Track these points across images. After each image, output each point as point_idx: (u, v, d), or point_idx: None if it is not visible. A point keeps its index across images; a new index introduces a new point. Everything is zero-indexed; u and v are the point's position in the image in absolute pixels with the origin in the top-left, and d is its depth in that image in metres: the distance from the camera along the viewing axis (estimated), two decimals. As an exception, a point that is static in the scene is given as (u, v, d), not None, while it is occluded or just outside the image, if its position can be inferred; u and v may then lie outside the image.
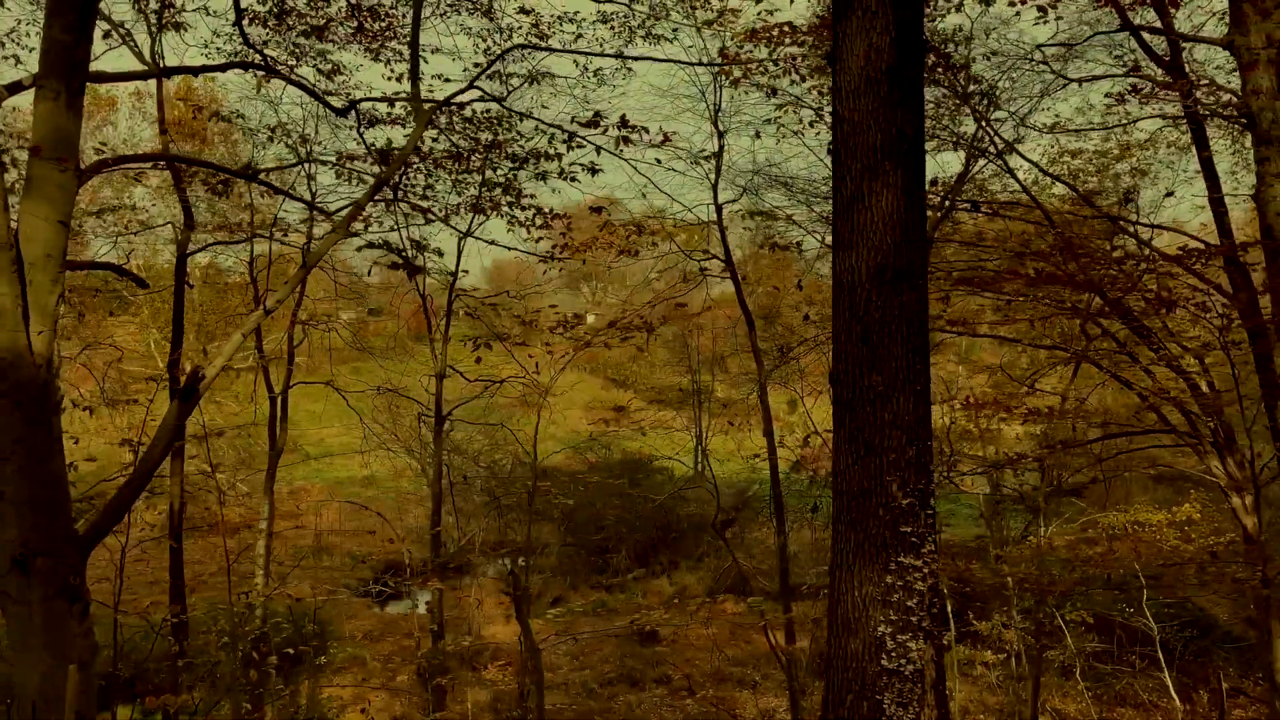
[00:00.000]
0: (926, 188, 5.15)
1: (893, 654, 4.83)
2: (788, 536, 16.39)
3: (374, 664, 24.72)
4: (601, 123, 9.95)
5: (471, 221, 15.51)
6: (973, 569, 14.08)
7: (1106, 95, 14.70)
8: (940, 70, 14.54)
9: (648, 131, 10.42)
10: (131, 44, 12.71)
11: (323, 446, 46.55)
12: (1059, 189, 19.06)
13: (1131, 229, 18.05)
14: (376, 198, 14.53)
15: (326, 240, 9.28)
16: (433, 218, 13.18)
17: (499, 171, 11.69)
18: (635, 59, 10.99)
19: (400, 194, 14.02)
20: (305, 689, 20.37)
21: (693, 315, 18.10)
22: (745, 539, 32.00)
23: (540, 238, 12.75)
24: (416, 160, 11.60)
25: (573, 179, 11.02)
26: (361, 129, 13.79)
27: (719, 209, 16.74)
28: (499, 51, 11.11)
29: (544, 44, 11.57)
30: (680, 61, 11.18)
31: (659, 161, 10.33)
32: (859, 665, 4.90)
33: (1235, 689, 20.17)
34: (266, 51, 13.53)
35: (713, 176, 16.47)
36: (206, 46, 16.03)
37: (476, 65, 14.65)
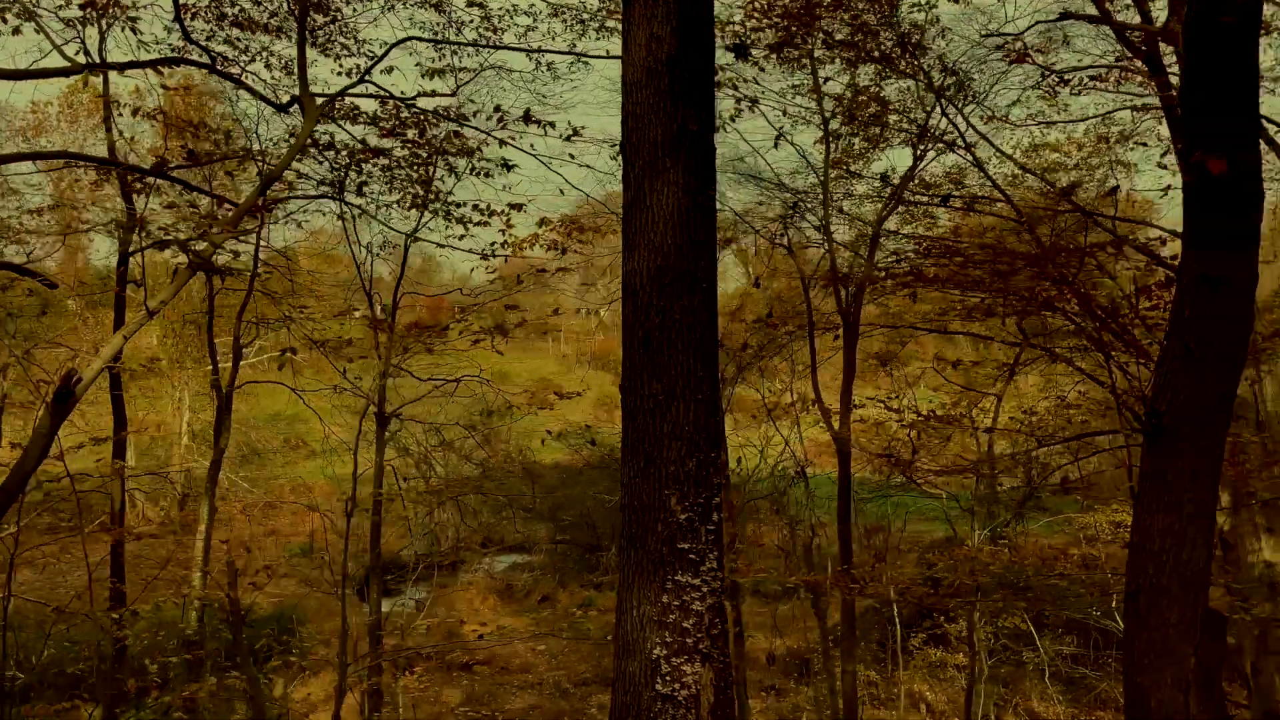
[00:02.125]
0: (717, 183, 4.85)
1: (667, 678, 4.56)
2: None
3: (351, 663, 24.50)
4: (504, 118, 9.71)
5: (419, 221, 15.27)
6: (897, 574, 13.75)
7: (1064, 83, 14.24)
8: (906, 60, 14.21)
9: (554, 126, 10.17)
10: (53, 38, 12.54)
11: (329, 443, 46.61)
12: (1042, 184, 18.65)
13: (1110, 224, 17.63)
14: (315, 195, 14.38)
15: (214, 239, 9.10)
16: (369, 215, 12.97)
17: (415, 169, 11.46)
18: (537, 52, 10.73)
19: (337, 192, 13.86)
20: (278, 688, 20.32)
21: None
22: (744, 535, 31.75)
23: (467, 234, 12.51)
24: (329, 156, 11.37)
25: (485, 174, 10.78)
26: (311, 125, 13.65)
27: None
28: (390, 43, 10.84)
29: (465, 38, 11.32)
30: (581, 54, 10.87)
31: (572, 156, 10.05)
32: (635, 689, 4.64)
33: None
34: (213, 47, 13.34)
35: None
36: (158, 43, 15.90)
37: (430, 61, 14.47)
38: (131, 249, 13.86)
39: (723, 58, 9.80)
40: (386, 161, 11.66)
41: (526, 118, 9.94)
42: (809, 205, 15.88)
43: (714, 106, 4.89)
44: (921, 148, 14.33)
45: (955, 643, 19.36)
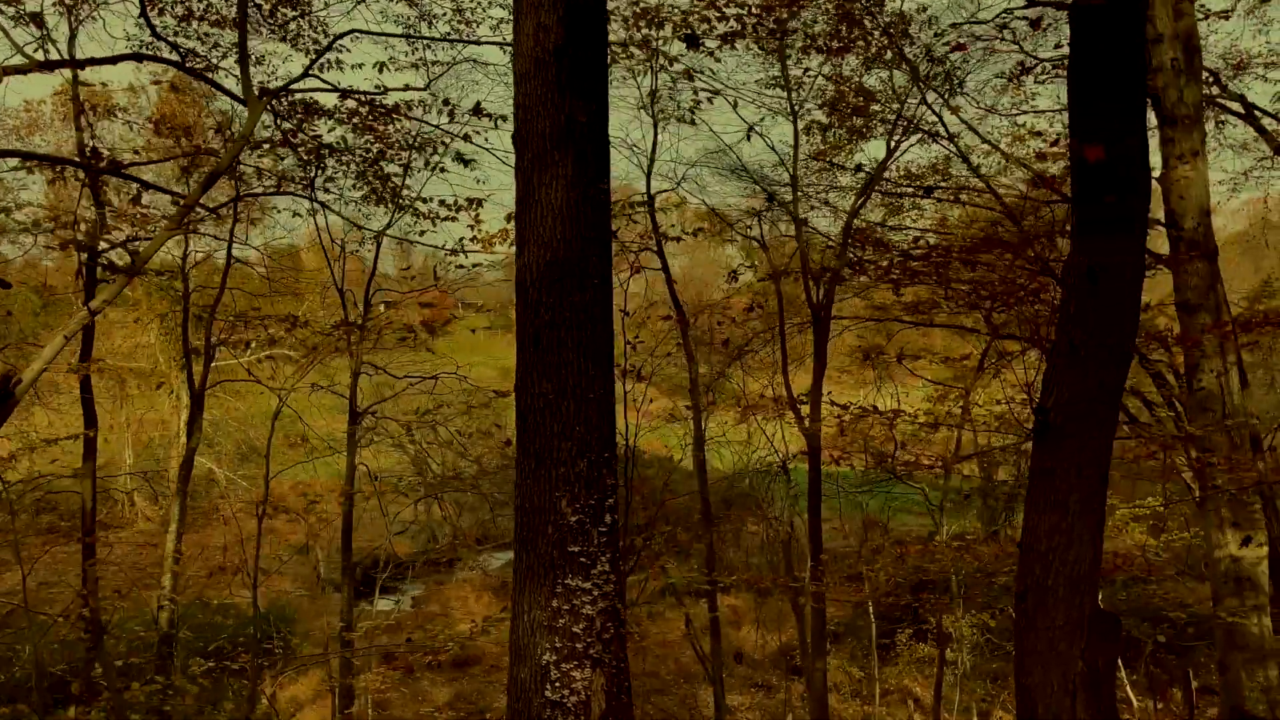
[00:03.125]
0: (607, 178, 4.73)
1: (557, 684, 4.46)
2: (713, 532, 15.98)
3: (338, 662, 24.52)
4: (453, 112, 9.59)
5: (393, 217, 15.19)
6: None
7: (1026, 72, 14.08)
8: (891, 49, 14.06)
9: (505, 119, 10.04)
10: (11, 35, 12.49)
11: (340, 443, 46.59)
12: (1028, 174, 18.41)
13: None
14: (279, 191, 14.29)
15: (157, 239, 9.03)
16: (332, 211, 12.88)
17: (371, 165, 11.35)
18: (477, 44, 10.59)
19: (308, 189, 13.77)
20: (266, 688, 20.29)
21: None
22: (742, 530, 31.62)
23: (434, 229, 12.41)
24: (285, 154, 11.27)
25: (441, 170, 10.69)
26: (279, 120, 13.56)
27: (651, 199, 16.35)
28: (335, 35, 10.74)
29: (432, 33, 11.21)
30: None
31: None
32: (526, 695, 4.54)
33: (1206, 687, 19.54)
34: (182, 43, 13.25)
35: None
36: (130, 39, 15.84)
37: (403, 54, 14.37)
38: (62, 246, 13.80)
39: (675, 48, 9.70)
40: (349, 158, 11.56)
41: (477, 110, 9.82)
42: (788, 199, 15.76)
43: (606, 97, 4.77)
44: (896, 138, 14.16)
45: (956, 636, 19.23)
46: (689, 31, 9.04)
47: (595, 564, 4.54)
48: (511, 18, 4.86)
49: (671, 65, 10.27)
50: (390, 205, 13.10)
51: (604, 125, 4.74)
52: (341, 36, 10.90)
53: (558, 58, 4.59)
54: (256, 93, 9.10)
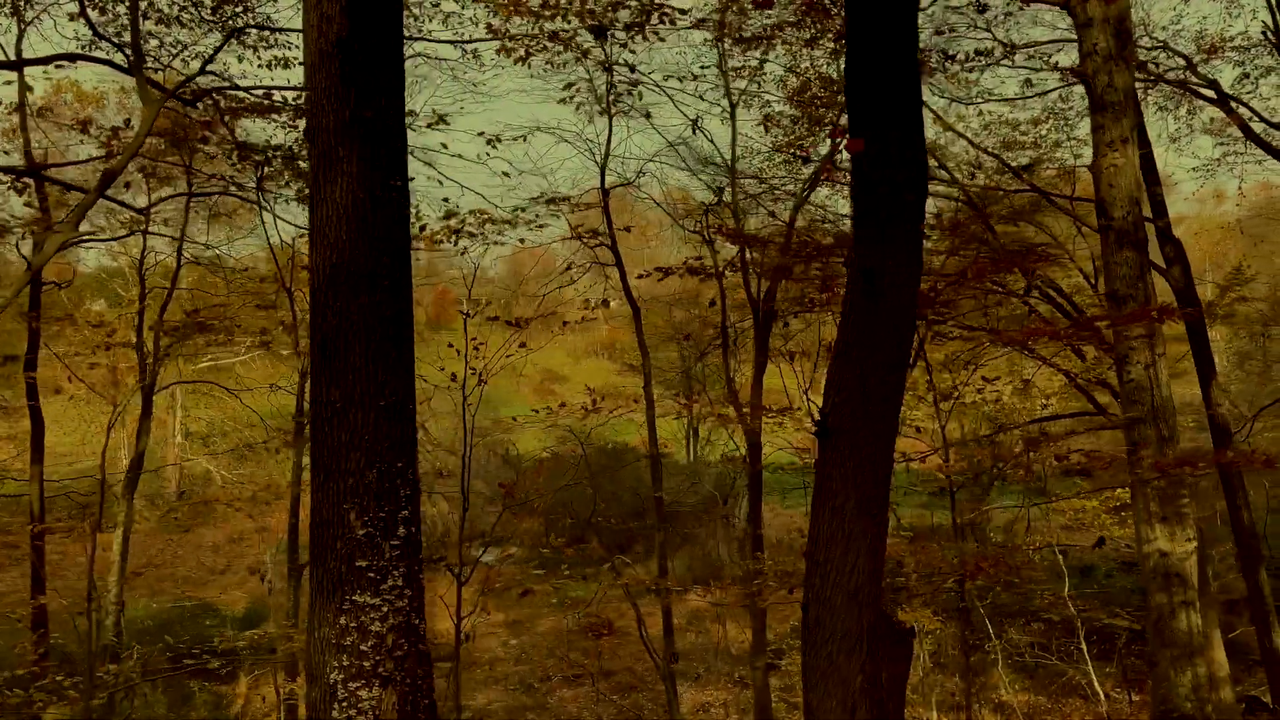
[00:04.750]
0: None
1: (344, 703, 4.29)
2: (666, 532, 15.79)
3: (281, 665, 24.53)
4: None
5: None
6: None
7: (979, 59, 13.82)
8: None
9: (414, 114, 9.86)
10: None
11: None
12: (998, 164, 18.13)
13: (1068, 204, 17.12)
14: (225, 193, 14.15)
15: (51, 241, 8.90)
16: (266, 209, 12.74)
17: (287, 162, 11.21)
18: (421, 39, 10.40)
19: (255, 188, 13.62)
20: (240, 688, 20.24)
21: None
22: (732, 525, 31.45)
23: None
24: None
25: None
26: (226, 119, 13.41)
27: (605, 192, 16.19)
28: (230, 31, 10.56)
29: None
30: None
31: (444, 146, 9.71)
32: (317, 716, 4.37)
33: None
34: (125, 41, 13.11)
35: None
36: (79, 38, 15.70)
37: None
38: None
39: (585, 38, 9.51)
40: (274, 153, 11.42)
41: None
42: (752, 192, 15.54)
43: (400, 91, 4.57)
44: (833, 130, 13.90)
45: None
46: (595, 23, 8.84)
47: (386, 578, 4.36)
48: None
49: (588, 56, 10.07)
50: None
51: (398, 121, 4.54)
52: (233, 34, 10.71)
53: (342, 50, 4.40)
54: (156, 93, 8.95)
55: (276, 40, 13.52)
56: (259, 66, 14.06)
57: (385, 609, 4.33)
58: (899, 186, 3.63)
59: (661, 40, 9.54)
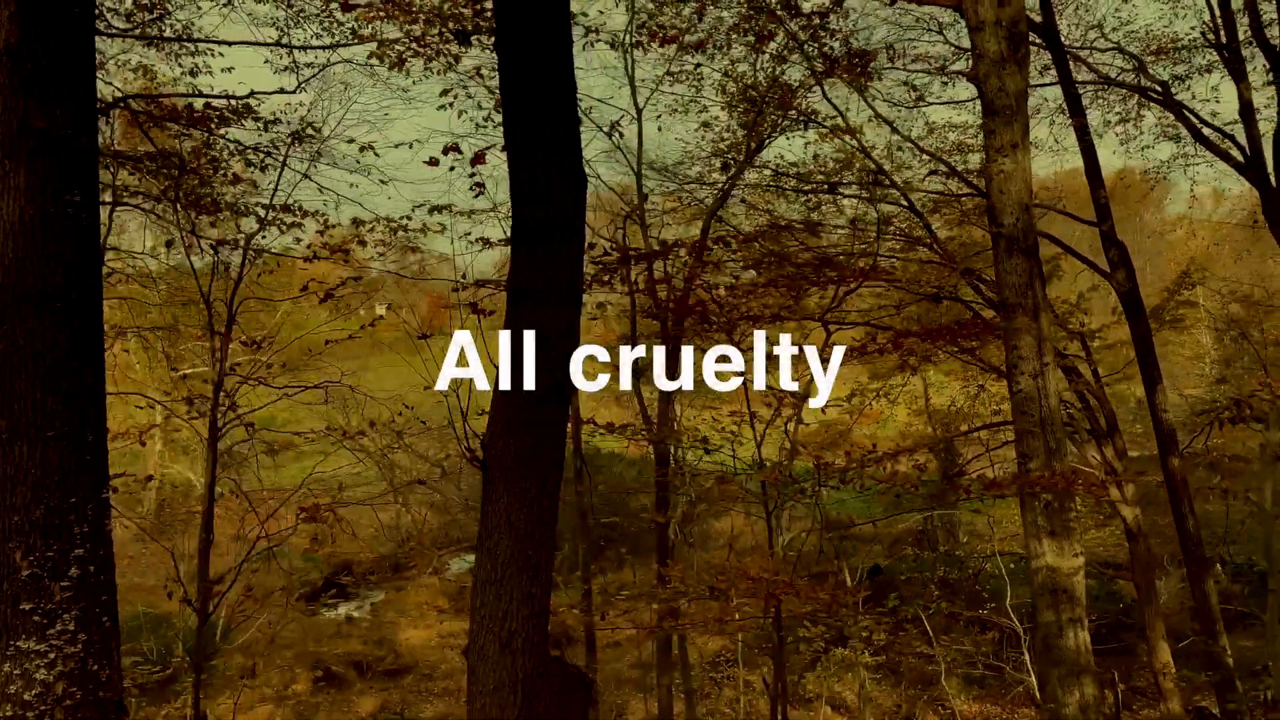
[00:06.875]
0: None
1: (7, 758, 3.99)
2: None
3: (270, 673, 24.27)
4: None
5: (262, 224, 14.74)
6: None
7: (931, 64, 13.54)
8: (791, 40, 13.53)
9: (318, 131, 9.66)
10: None
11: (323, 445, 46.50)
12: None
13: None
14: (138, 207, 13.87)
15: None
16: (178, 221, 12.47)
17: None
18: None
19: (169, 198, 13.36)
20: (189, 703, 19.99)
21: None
22: (711, 531, 31.13)
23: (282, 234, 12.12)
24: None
25: (263, 168, 10.35)
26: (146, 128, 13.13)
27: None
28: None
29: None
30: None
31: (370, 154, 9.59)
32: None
33: (1134, 688, 18.95)
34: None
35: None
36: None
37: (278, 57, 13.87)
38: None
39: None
40: (193, 164, 11.21)
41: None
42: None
43: (84, 102, 4.27)
44: (764, 129, 13.62)
45: (858, 642, 18.69)
46: (459, 27, 8.54)
47: (54, 623, 4.05)
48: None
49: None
50: (228, 213, 12.73)
51: (78, 133, 4.23)
52: (158, 37, 10.43)
53: (11, 57, 4.11)
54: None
55: (199, 48, 13.26)
56: (180, 73, 13.84)
57: (53, 655, 4.03)
58: (551, 210, 3.32)
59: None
